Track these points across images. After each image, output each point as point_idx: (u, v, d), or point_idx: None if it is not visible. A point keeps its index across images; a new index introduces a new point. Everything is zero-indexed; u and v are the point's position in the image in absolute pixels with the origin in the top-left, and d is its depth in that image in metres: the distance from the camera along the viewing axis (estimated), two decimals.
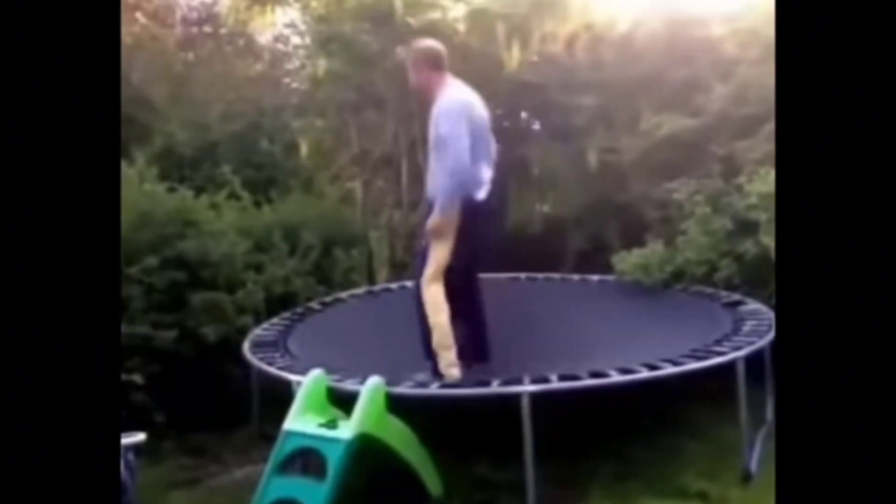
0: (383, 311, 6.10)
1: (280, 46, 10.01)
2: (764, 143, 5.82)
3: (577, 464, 4.48)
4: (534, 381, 4.09)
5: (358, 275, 7.02)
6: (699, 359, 4.42)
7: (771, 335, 4.62)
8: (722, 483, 4.30)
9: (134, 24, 9.00)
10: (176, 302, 5.39)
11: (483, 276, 5.26)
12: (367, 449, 3.78)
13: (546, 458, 4.01)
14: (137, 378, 4.85)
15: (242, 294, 5.66)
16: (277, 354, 5.04)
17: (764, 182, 5.39)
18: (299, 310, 6.00)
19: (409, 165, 7.73)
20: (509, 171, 6.81)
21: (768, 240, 5.17)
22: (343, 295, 6.44)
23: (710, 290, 5.79)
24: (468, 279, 4.79)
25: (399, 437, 3.99)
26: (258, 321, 5.65)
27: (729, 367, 4.39)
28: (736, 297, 5.58)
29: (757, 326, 4.90)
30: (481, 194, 4.67)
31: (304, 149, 8.19)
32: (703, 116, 6.62)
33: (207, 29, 10.08)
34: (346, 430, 3.76)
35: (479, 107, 4.77)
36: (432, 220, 4.61)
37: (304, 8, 8.95)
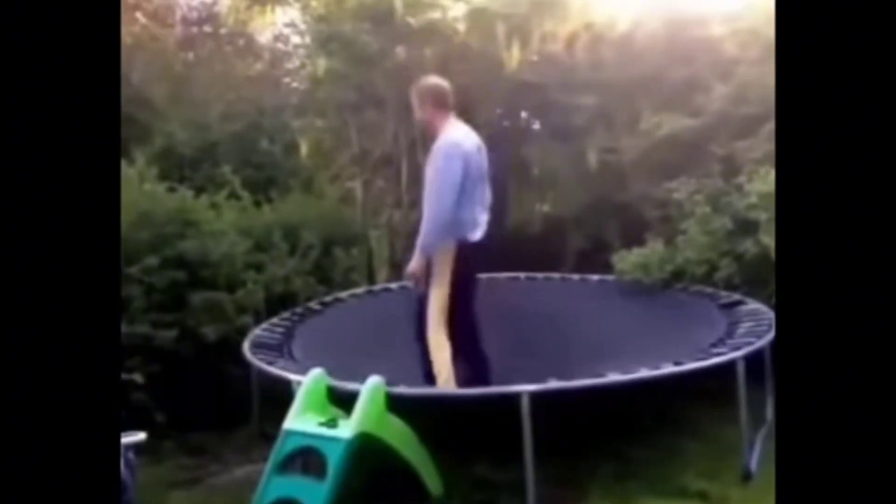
0: (383, 311, 6.10)
1: (280, 46, 10.01)
2: (764, 142, 5.83)
3: (577, 463, 4.48)
4: (534, 381, 4.09)
5: (358, 274, 7.03)
6: (699, 358, 4.42)
7: (771, 335, 4.62)
8: (722, 483, 4.30)
9: (134, 23, 9.01)
10: (176, 301, 5.39)
11: (483, 275, 5.27)
12: (367, 448, 3.78)
13: (546, 458, 4.01)
14: (138, 377, 4.85)
15: (242, 294, 5.66)
16: (277, 354, 5.04)
17: (764, 182, 5.40)
18: (299, 309, 6.00)
19: (409, 165, 7.73)
20: (509, 170, 6.85)
21: (768, 239, 5.17)
22: (343, 295, 6.44)
23: (709, 289, 5.80)
24: (466, 318, 4.77)
25: (399, 436, 3.99)
26: (258, 321, 5.66)
27: (729, 366, 4.39)
28: (736, 296, 5.58)
29: (757, 326, 4.91)
30: (476, 236, 4.68)
31: (304, 148, 8.20)
32: (703, 116, 6.62)
33: (207, 29, 10.08)
34: (346, 429, 3.76)
35: (477, 149, 4.74)
36: (412, 263, 4.63)
37: (304, 7, 8.95)
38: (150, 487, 4.24)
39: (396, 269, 7.85)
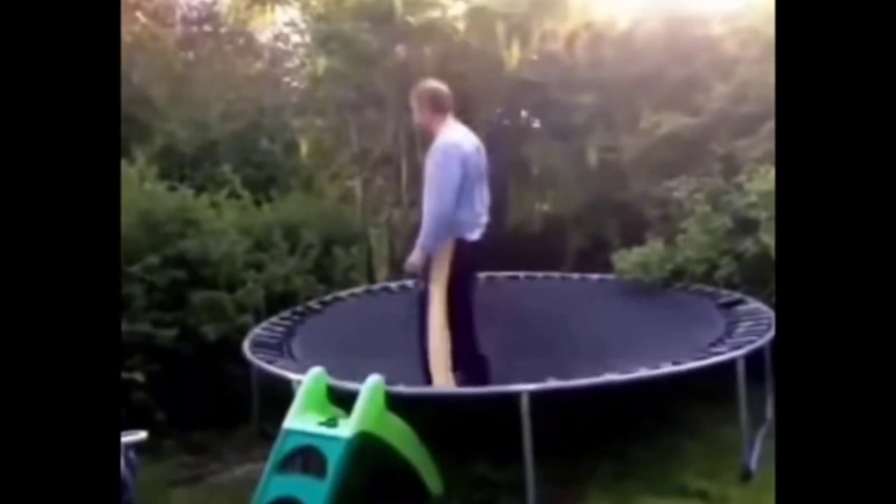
0: (383, 310, 6.10)
1: (280, 45, 10.01)
2: (764, 141, 5.83)
3: (576, 463, 4.48)
4: (533, 381, 4.10)
5: (358, 273, 7.03)
6: (699, 358, 4.43)
7: (771, 334, 4.62)
8: (722, 482, 4.30)
9: (134, 23, 9.00)
10: (176, 300, 5.40)
11: (482, 275, 5.29)
12: (367, 447, 3.78)
13: (545, 457, 4.01)
14: (138, 376, 4.85)
15: (243, 293, 5.67)
16: (277, 353, 5.04)
17: (764, 180, 5.40)
18: (299, 309, 6.00)
19: (409, 164, 7.73)
20: (509, 169, 6.85)
21: (768, 238, 5.17)
22: (343, 294, 6.44)
23: (709, 288, 5.79)
24: (465, 318, 4.78)
25: (399, 435, 4.00)
26: (258, 320, 5.66)
27: (729, 366, 4.39)
28: (736, 295, 5.58)
29: (757, 325, 4.91)
30: (474, 236, 4.69)
31: (304, 147, 8.20)
32: (703, 115, 6.62)
33: (207, 28, 10.08)
34: (346, 428, 3.76)
35: (475, 150, 4.75)
36: (412, 256, 4.64)
37: (304, 7, 8.95)
38: (151, 486, 4.25)
39: (396, 268, 7.85)
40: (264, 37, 10.20)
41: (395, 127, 7.85)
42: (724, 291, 5.68)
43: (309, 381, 4.04)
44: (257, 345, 5.21)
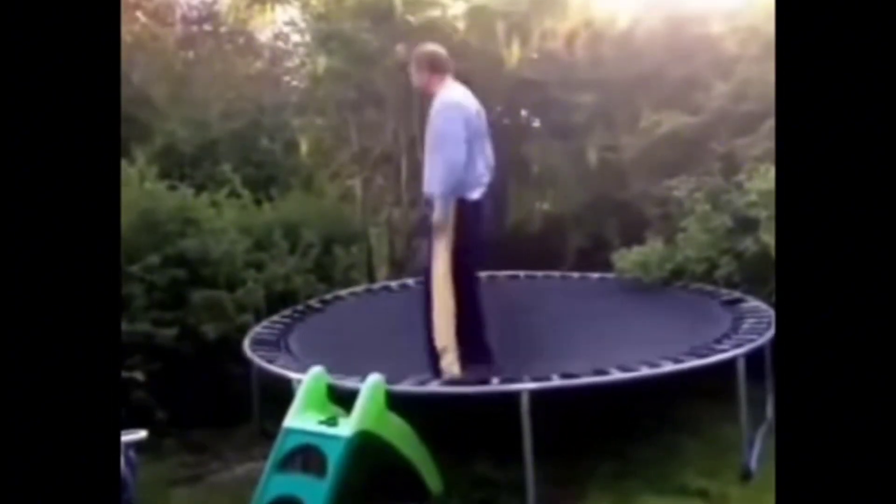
0: (383, 309, 6.11)
1: (280, 44, 10.01)
2: (764, 140, 5.82)
3: (576, 462, 4.48)
4: (533, 380, 4.10)
5: (358, 272, 7.03)
6: (699, 356, 4.43)
7: (771, 333, 4.63)
8: (722, 481, 4.31)
9: (134, 22, 9.00)
10: (176, 300, 5.40)
11: (482, 274, 5.28)
12: (367, 446, 3.78)
13: (545, 457, 4.02)
14: (139, 375, 4.86)
15: (243, 292, 5.67)
16: (278, 352, 5.04)
17: (764, 179, 5.39)
18: (300, 308, 6.00)
19: (409, 163, 7.72)
20: (509, 168, 6.85)
21: (768, 237, 5.17)
22: (343, 293, 6.44)
23: (709, 287, 5.79)
24: (467, 279, 4.80)
25: (399, 434, 4.00)
26: (258, 319, 5.66)
27: (729, 364, 4.40)
28: (736, 294, 5.58)
29: (757, 324, 4.91)
30: (476, 195, 4.71)
31: (304, 147, 8.19)
32: (703, 114, 6.62)
33: (207, 27, 10.07)
34: (347, 427, 3.77)
35: (476, 109, 4.79)
36: (436, 217, 4.63)
37: (304, 6, 8.94)
38: (152, 485, 4.25)
39: (396, 267, 7.86)
40: (264, 36, 10.19)
41: (394, 126, 7.85)
42: (724, 290, 5.68)
43: (309, 380, 4.05)
44: (257, 343, 5.21)
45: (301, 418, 3.89)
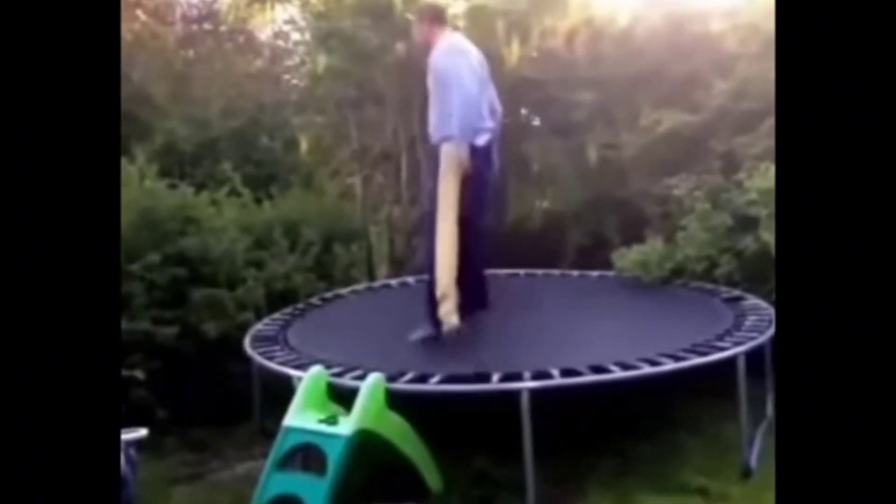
0: (383, 308, 6.11)
1: (280, 43, 10.00)
2: (764, 138, 5.82)
3: (576, 460, 4.49)
4: (534, 378, 4.10)
5: (358, 270, 7.03)
6: (699, 355, 4.43)
7: (771, 331, 4.63)
8: (722, 479, 4.31)
9: (134, 21, 8.99)
10: (177, 298, 5.40)
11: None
12: (367, 445, 3.79)
13: (545, 455, 4.02)
14: (139, 374, 4.86)
15: (243, 290, 5.67)
16: (278, 350, 5.05)
17: (764, 178, 5.39)
18: (300, 306, 6.00)
19: (409, 161, 7.73)
20: (509, 166, 6.85)
21: (768, 236, 5.17)
22: (343, 291, 6.45)
23: (709, 286, 5.79)
24: (469, 226, 4.83)
25: (399, 432, 4.00)
26: (259, 317, 5.66)
27: (729, 363, 4.40)
28: (736, 292, 5.58)
29: (757, 322, 4.91)
30: (481, 141, 4.75)
31: (303, 145, 8.19)
32: (703, 112, 6.61)
33: (207, 26, 10.07)
34: (346, 426, 3.77)
35: (478, 56, 4.87)
36: (458, 151, 4.67)
37: (304, 4, 8.93)
38: (152, 483, 4.26)
39: (396, 265, 7.86)
40: (264, 35, 10.18)
41: (394, 124, 7.84)
42: (724, 288, 5.69)
43: (309, 378, 4.05)
44: (258, 342, 5.21)
45: (301, 417, 3.90)
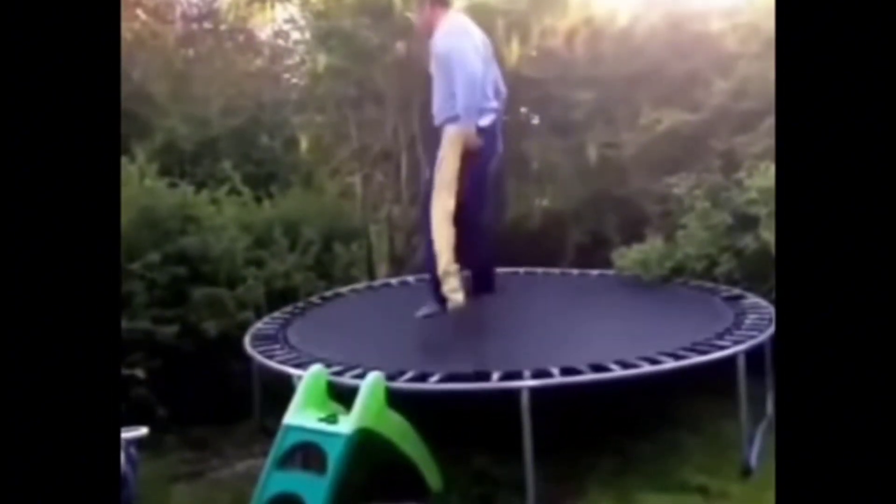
0: (383, 306, 6.11)
1: (280, 42, 9.98)
2: (764, 137, 5.81)
3: (576, 459, 4.49)
4: (534, 376, 4.10)
5: (358, 269, 7.03)
6: (699, 353, 4.43)
7: (771, 330, 4.63)
8: (722, 477, 4.31)
9: (134, 20, 8.98)
10: (177, 297, 5.40)
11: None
12: (367, 443, 3.79)
13: (545, 453, 4.02)
14: (139, 373, 4.87)
15: (243, 289, 5.67)
16: (278, 349, 5.05)
17: (764, 177, 5.39)
18: (300, 305, 6.01)
19: (409, 160, 7.72)
20: (508, 165, 6.85)
21: (768, 235, 5.17)
22: (343, 290, 6.45)
23: (709, 284, 5.79)
24: (472, 207, 4.84)
25: (399, 431, 4.00)
26: (259, 316, 5.66)
27: (729, 361, 4.40)
28: (736, 291, 5.59)
29: (757, 321, 4.91)
30: (484, 122, 4.76)
31: (303, 144, 8.18)
32: (703, 111, 6.60)
33: (207, 25, 10.05)
34: (347, 424, 3.77)
35: (481, 36, 4.89)
36: (463, 132, 4.69)
37: (304, 4, 8.92)
38: (152, 481, 4.26)
39: (396, 264, 7.86)
40: (264, 34, 10.17)
41: (394, 123, 7.83)
42: (724, 287, 5.69)
43: (309, 377, 4.05)
44: (258, 341, 5.22)
45: (301, 415, 3.90)
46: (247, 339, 5.21)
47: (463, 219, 4.83)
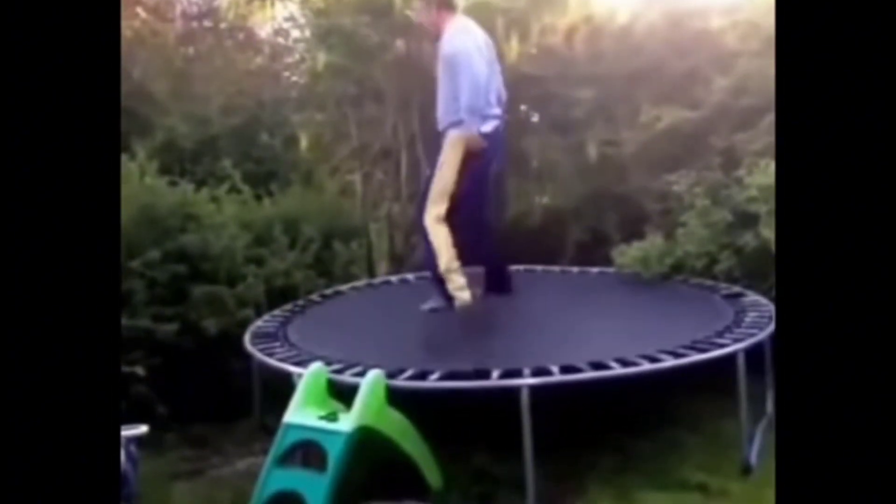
0: (383, 304, 6.11)
1: (280, 40, 9.98)
2: (764, 135, 5.81)
3: (576, 457, 4.49)
4: (533, 374, 4.10)
5: (358, 267, 7.03)
6: (699, 351, 4.43)
7: (771, 328, 4.63)
8: (722, 476, 4.31)
9: (134, 18, 8.97)
10: (177, 295, 5.40)
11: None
12: (367, 441, 3.79)
13: (545, 451, 4.02)
14: (139, 370, 4.86)
15: (243, 287, 5.67)
16: (278, 347, 5.05)
17: (764, 174, 5.39)
18: (300, 303, 6.01)
19: (409, 158, 7.73)
20: (508, 163, 6.85)
21: (768, 232, 5.17)
22: (343, 288, 6.45)
23: (709, 282, 5.79)
24: (474, 210, 4.86)
25: (399, 429, 4.00)
26: (259, 314, 5.66)
27: (729, 359, 4.40)
28: (736, 289, 5.58)
29: (757, 319, 4.91)
30: (487, 128, 4.77)
31: (303, 142, 8.19)
32: (703, 108, 6.60)
33: (207, 23, 10.04)
34: (347, 422, 3.77)
35: (485, 43, 4.91)
36: (468, 136, 4.69)
37: (304, 2, 8.92)
38: (152, 479, 4.26)
39: (396, 262, 7.86)
40: (264, 32, 10.16)
41: (394, 121, 7.84)
42: (724, 285, 5.69)
43: (309, 375, 4.05)
44: (258, 338, 5.22)
45: (301, 413, 3.90)
46: (247, 337, 5.21)
47: (465, 220, 4.84)
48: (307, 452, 3.88)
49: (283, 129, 8.19)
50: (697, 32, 7.03)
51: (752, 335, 4.61)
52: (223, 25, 10.03)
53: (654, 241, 6.07)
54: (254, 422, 5.21)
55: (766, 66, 4.85)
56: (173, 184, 5.88)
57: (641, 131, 6.82)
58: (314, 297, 6.15)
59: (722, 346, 4.50)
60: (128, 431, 3.76)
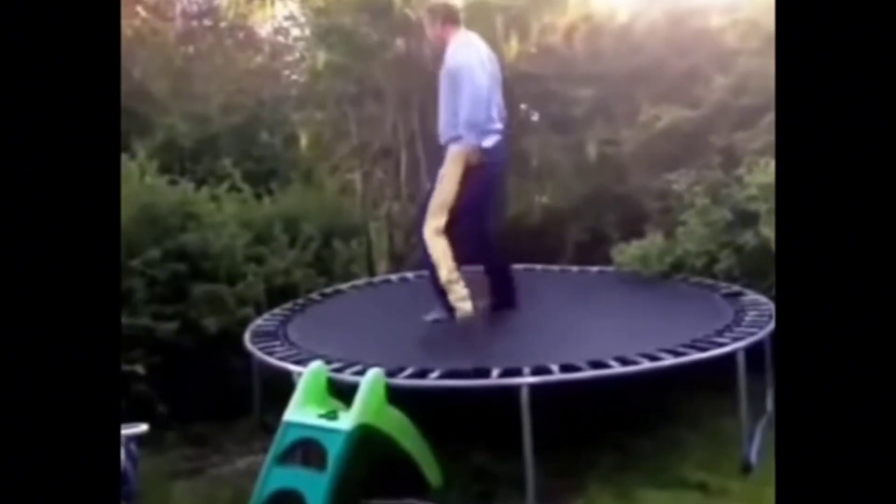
0: (383, 303, 6.12)
1: (280, 39, 9.98)
2: (764, 133, 5.81)
3: (576, 455, 4.49)
4: (533, 373, 4.10)
5: (358, 266, 7.04)
6: (699, 350, 4.43)
7: (770, 326, 4.63)
8: (721, 474, 4.31)
9: (134, 17, 8.98)
10: (177, 294, 5.41)
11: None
12: (367, 440, 3.79)
13: (545, 450, 4.02)
14: (139, 369, 4.87)
15: (243, 286, 5.67)
16: (278, 345, 5.06)
17: (764, 173, 5.39)
18: (300, 301, 6.01)
19: (409, 157, 7.73)
20: (508, 162, 6.86)
21: (768, 231, 5.17)
22: (343, 286, 6.45)
23: (709, 281, 5.79)
24: (480, 227, 4.87)
25: (399, 427, 4.00)
26: (259, 313, 5.67)
27: (729, 358, 4.40)
28: (735, 288, 5.59)
29: (756, 318, 4.91)
30: (488, 143, 4.78)
31: (303, 141, 8.20)
32: (703, 107, 6.60)
33: (207, 22, 10.05)
34: (346, 421, 3.77)
35: (488, 58, 4.92)
36: (468, 151, 4.71)
37: (304, 1, 8.93)
38: (153, 478, 4.26)
39: (395, 261, 7.86)
40: (264, 31, 10.17)
41: (394, 120, 7.84)
42: (724, 284, 5.69)
43: (309, 373, 4.05)
44: (258, 337, 5.22)
45: (301, 412, 3.90)
46: (247, 336, 5.21)
47: (469, 233, 4.85)
48: (307, 451, 3.88)
49: (283, 128, 8.21)
50: (697, 31, 7.04)
51: (751, 334, 4.61)
52: (223, 24, 10.03)
53: (653, 240, 6.07)
54: (254, 420, 5.22)
55: (766, 65, 4.86)
56: (173, 183, 5.89)
57: (641, 130, 6.82)
58: (314, 295, 6.15)
59: (722, 344, 4.51)
60: (128, 430, 3.77)
